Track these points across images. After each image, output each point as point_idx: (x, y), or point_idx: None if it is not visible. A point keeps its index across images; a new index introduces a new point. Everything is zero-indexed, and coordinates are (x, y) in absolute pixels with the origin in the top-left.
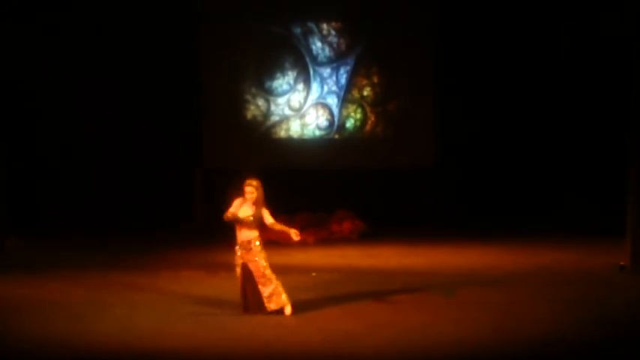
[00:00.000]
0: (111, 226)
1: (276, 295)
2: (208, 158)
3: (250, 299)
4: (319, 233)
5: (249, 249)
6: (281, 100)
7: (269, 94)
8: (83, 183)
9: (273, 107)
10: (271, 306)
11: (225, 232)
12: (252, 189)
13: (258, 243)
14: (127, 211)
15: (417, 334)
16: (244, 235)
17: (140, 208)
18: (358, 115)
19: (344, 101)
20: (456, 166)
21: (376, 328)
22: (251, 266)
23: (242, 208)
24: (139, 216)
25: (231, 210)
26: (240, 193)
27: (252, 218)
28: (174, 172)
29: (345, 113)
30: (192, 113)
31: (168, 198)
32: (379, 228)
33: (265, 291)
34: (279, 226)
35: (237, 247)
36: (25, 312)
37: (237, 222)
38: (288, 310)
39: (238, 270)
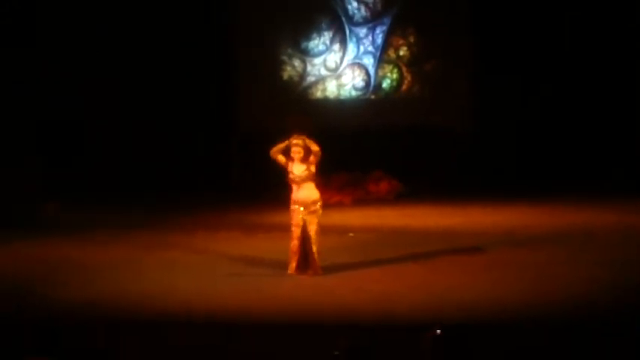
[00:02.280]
0: (146, 190)
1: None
2: (244, 122)
3: (303, 261)
4: (356, 193)
5: (313, 211)
6: (317, 61)
7: (305, 54)
8: (119, 148)
9: (309, 68)
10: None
11: (261, 194)
12: (299, 142)
13: (320, 205)
14: (162, 176)
15: (455, 295)
16: (306, 194)
17: (175, 172)
18: (394, 76)
19: (380, 61)
20: (493, 128)
21: (414, 289)
22: (310, 228)
23: (294, 166)
24: (175, 181)
25: (277, 146)
26: (287, 153)
27: (305, 175)
28: (210, 136)
29: (381, 73)
30: (228, 77)
31: (204, 162)
32: (416, 188)
33: (316, 252)
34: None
35: (296, 207)
36: (65, 274)
37: (293, 181)
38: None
39: (298, 230)
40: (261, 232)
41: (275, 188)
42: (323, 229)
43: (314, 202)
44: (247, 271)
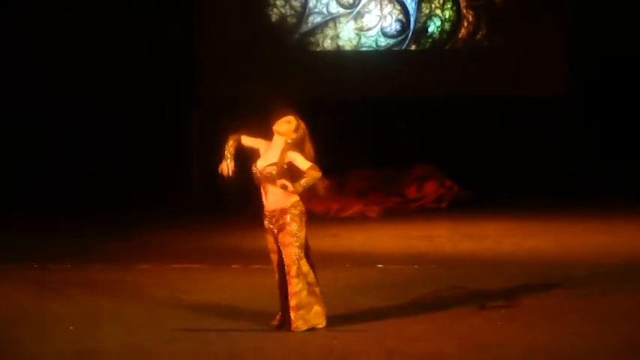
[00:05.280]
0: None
1: (307, 307)
2: (211, 87)
3: (283, 307)
4: (387, 201)
5: (283, 225)
6: None
7: None
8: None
9: (312, 3)
10: (299, 324)
11: (234, 202)
12: (288, 128)
13: (297, 213)
14: (83, 181)
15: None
16: (274, 199)
17: (104, 172)
18: (448, 13)
19: None
20: (599, 95)
21: (481, 351)
22: (285, 255)
23: (264, 155)
24: (103, 185)
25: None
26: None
27: (275, 171)
28: (159, 111)
29: (426, 10)
30: (186, 18)
31: (148, 154)
32: (482, 192)
33: (293, 296)
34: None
35: (265, 222)
36: None
37: (256, 180)
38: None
39: (275, 258)
40: (235, 262)
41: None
42: (336, 257)
43: (284, 212)
44: (211, 324)
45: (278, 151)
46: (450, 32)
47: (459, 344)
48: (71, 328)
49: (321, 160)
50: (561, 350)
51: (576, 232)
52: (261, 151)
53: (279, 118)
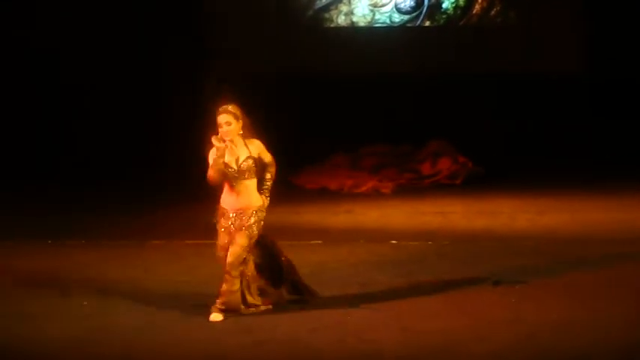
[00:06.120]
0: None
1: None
2: (222, 63)
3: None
4: (401, 177)
5: (243, 224)
6: None
7: None
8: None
9: None
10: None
11: None
12: (229, 117)
13: (261, 216)
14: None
15: (553, 336)
16: (243, 196)
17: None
18: None
19: None
20: (612, 72)
21: (495, 327)
22: (232, 250)
23: (229, 150)
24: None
25: (216, 160)
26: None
27: (247, 165)
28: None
29: None
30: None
31: (158, 129)
32: (496, 167)
33: (226, 294)
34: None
35: (221, 218)
36: None
37: (230, 178)
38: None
39: (225, 255)
40: None
41: None
42: (349, 233)
43: (249, 212)
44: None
45: (241, 144)
46: (464, 8)
47: (472, 321)
48: (85, 303)
49: (332, 133)
50: (575, 327)
51: (591, 208)
52: (225, 153)
53: (218, 117)
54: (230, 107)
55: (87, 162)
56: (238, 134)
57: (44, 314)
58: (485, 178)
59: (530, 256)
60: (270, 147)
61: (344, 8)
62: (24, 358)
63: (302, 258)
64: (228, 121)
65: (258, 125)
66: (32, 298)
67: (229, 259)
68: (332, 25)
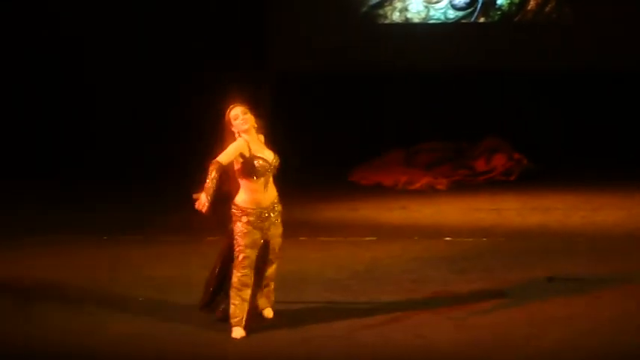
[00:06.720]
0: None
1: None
2: (278, 60)
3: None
4: (455, 174)
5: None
6: None
7: None
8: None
9: None
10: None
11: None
12: (244, 108)
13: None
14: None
15: (608, 333)
16: (270, 193)
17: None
18: None
19: None
20: None
21: (549, 324)
22: (273, 243)
23: (257, 148)
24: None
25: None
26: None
27: (277, 160)
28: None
29: None
30: None
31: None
32: (552, 164)
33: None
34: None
35: (250, 218)
36: None
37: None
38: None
39: (254, 254)
40: (303, 234)
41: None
42: (401, 231)
43: (277, 203)
44: (278, 296)
45: (262, 143)
46: (519, 4)
47: (527, 316)
48: (140, 299)
49: (385, 130)
50: (631, 324)
51: None
52: (251, 148)
53: (232, 111)
54: (243, 109)
55: (140, 160)
56: (257, 133)
57: (103, 310)
58: (540, 174)
59: (584, 252)
60: (323, 144)
61: (398, 5)
62: (84, 352)
63: (356, 254)
64: (244, 110)
65: (311, 123)
66: (91, 294)
67: (277, 251)
68: (386, 22)
